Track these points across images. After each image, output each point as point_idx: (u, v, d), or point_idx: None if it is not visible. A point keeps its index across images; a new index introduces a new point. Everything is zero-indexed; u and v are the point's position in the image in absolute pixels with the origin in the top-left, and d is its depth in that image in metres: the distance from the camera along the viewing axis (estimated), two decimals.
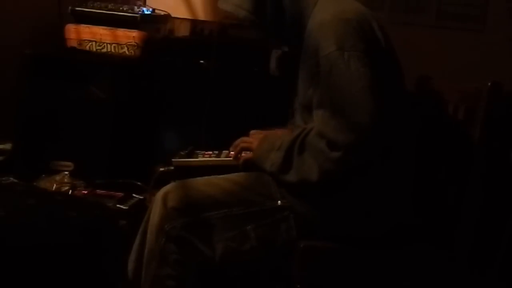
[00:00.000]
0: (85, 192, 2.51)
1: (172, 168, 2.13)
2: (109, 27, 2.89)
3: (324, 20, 1.89)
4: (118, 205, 2.43)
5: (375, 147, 1.81)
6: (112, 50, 2.89)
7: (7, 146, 2.81)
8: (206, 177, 1.99)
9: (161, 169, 2.15)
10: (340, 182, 1.86)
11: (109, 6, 2.94)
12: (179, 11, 3.22)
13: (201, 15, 3.25)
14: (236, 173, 2.00)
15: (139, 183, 2.55)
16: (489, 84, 1.96)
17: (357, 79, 1.80)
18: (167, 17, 3.12)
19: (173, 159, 2.14)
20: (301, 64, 1.97)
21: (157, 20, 3.05)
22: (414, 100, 2.36)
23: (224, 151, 2.17)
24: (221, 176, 1.99)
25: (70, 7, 2.93)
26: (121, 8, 2.92)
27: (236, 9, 2.00)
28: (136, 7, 2.95)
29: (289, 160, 1.89)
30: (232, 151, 2.11)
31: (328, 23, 1.87)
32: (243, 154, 2.06)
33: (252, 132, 2.21)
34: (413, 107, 2.33)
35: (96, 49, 2.91)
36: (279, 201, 1.93)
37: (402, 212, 1.94)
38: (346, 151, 1.79)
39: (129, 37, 2.87)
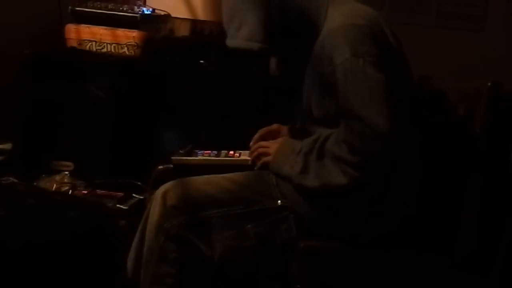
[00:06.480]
0: (85, 192, 2.51)
1: (171, 166, 2.13)
2: (109, 27, 2.89)
3: (336, 27, 1.87)
4: (118, 205, 2.43)
5: (394, 152, 1.80)
6: (112, 50, 2.89)
7: (7, 146, 2.80)
8: (206, 175, 1.99)
9: (160, 167, 2.14)
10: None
11: (109, 6, 2.94)
12: (179, 11, 3.22)
13: (201, 15, 3.25)
14: (235, 172, 2.00)
15: (139, 183, 2.55)
16: (489, 84, 1.96)
17: (375, 85, 1.79)
18: (167, 17, 3.12)
19: (172, 157, 2.14)
20: (310, 73, 1.95)
21: (157, 20, 3.05)
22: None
23: (223, 151, 2.17)
24: (220, 175, 1.99)
25: (70, 7, 2.93)
26: (121, 8, 2.92)
27: (248, 44, 1.95)
28: (136, 7, 2.95)
29: (308, 164, 1.87)
30: (249, 156, 2.08)
31: (340, 31, 1.86)
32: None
33: (261, 130, 2.18)
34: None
35: (96, 49, 2.91)
36: (279, 201, 1.92)
37: (404, 212, 1.94)
38: (368, 157, 1.78)
39: (129, 37, 2.87)
